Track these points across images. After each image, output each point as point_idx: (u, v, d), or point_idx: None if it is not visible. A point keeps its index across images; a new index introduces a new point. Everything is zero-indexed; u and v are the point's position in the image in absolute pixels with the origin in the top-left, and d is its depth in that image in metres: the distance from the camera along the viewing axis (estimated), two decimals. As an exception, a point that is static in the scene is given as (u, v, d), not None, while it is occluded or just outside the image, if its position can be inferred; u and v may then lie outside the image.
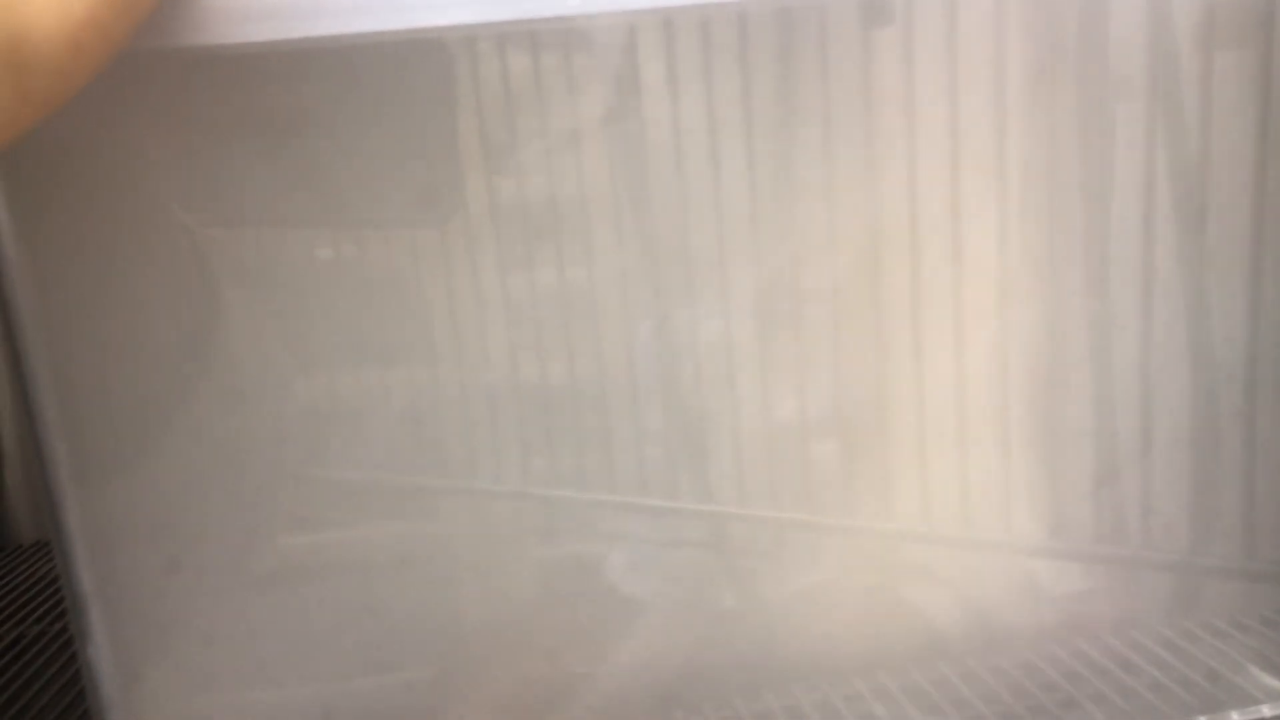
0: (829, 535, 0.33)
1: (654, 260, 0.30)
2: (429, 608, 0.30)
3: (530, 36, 0.28)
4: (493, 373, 0.29)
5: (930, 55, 0.30)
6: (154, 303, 0.27)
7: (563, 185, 0.29)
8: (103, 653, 0.27)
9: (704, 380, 0.31)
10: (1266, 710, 0.36)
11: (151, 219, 0.26)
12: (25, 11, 0.19)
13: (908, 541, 0.34)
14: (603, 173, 0.29)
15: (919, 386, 0.32)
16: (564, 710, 0.31)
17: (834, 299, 0.31)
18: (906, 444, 0.33)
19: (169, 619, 0.28)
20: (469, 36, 0.27)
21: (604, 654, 0.32)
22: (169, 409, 0.27)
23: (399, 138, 0.27)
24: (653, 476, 0.31)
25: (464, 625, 0.31)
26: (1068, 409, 0.34)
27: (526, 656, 0.31)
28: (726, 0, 0.29)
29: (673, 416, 0.31)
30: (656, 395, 0.30)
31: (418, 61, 0.27)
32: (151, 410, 0.27)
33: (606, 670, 0.32)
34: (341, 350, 0.28)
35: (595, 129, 0.29)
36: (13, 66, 0.19)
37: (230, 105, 0.26)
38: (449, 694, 0.31)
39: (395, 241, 0.28)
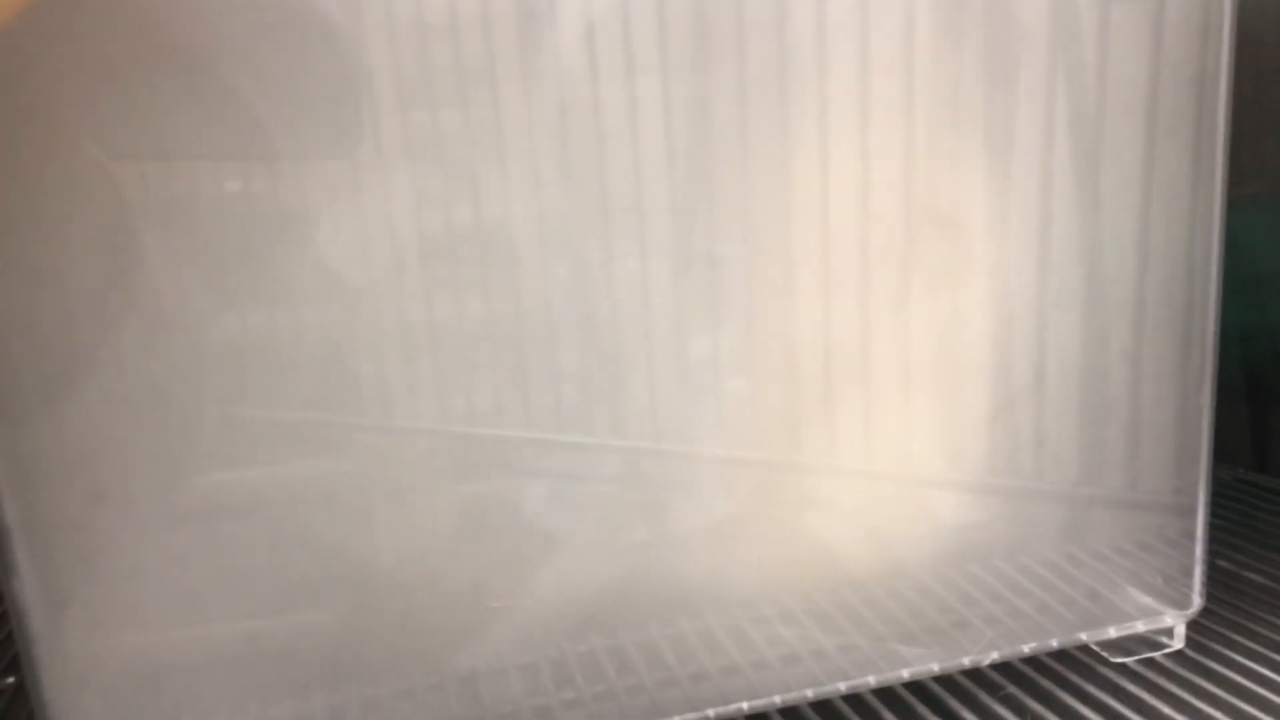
0: (739, 469, 0.34)
1: (571, 199, 0.30)
2: (352, 542, 0.31)
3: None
4: (410, 310, 0.29)
5: (842, 2, 0.31)
6: (74, 237, 0.27)
7: (480, 122, 0.29)
8: (28, 586, 0.27)
9: (620, 319, 0.31)
10: (1140, 626, 0.38)
11: (66, 152, 0.26)
12: None
13: (814, 474, 0.35)
14: (520, 110, 0.29)
15: (826, 326, 0.33)
16: (486, 634, 0.32)
17: (746, 241, 0.32)
18: (813, 382, 0.34)
19: (95, 551, 0.28)
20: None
21: (524, 583, 0.32)
22: (93, 342, 0.27)
23: (309, 68, 0.27)
24: (569, 413, 0.32)
25: (387, 559, 0.31)
26: (966, 347, 0.35)
27: (449, 587, 0.32)
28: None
29: (589, 354, 0.31)
30: (573, 333, 0.31)
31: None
32: (75, 343, 0.27)
33: (526, 598, 0.32)
34: (259, 287, 0.28)
35: (512, 65, 0.29)
36: None
37: (142, 38, 0.26)
38: (372, 625, 0.31)
39: (309, 177, 0.28)
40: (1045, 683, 0.37)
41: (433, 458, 0.31)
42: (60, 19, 0.25)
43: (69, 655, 0.28)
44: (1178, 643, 0.39)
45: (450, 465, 0.31)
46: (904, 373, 0.35)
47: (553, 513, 0.32)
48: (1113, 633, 0.38)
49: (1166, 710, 0.35)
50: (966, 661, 0.36)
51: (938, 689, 0.37)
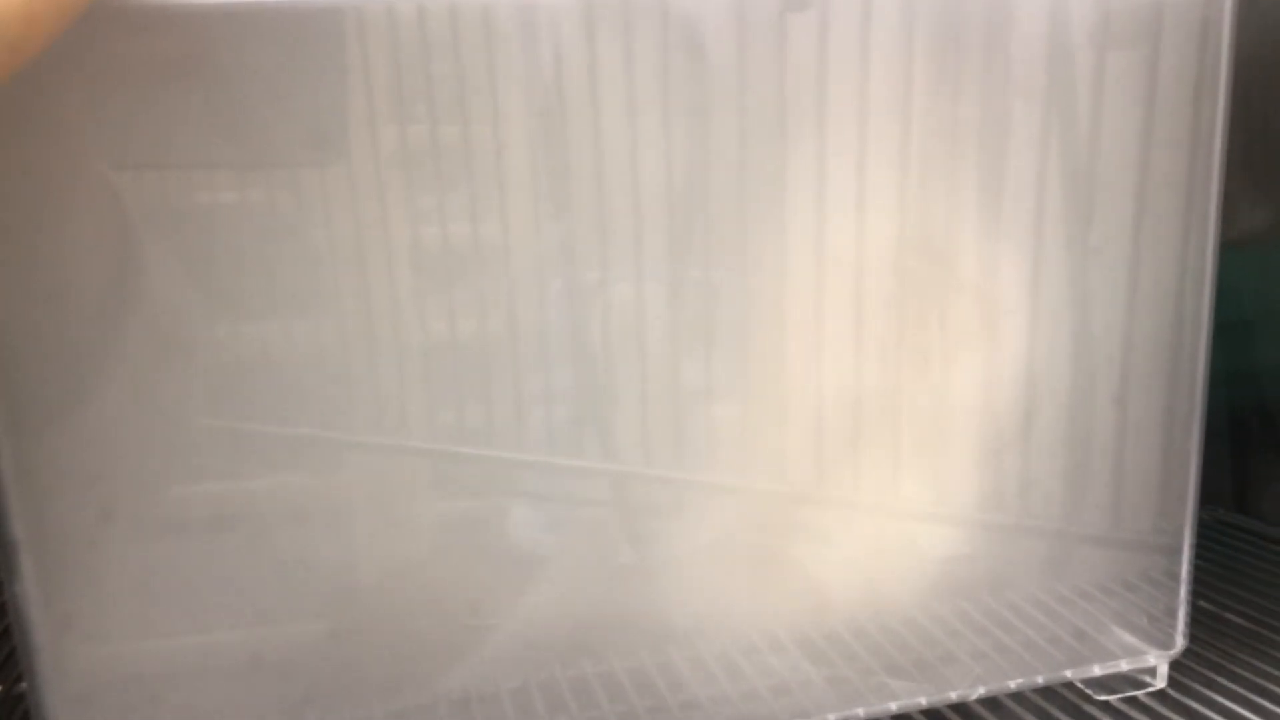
0: (728, 497, 0.34)
1: (567, 220, 0.30)
2: (347, 560, 0.31)
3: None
4: (402, 329, 0.30)
5: (842, 41, 0.31)
6: (84, 255, 0.27)
7: (477, 138, 0.29)
8: (34, 600, 0.28)
9: (613, 342, 0.31)
10: (1124, 665, 0.38)
11: (73, 167, 0.26)
12: None
13: (804, 505, 0.35)
14: (518, 128, 0.29)
15: (818, 358, 0.34)
16: (477, 655, 0.33)
17: (741, 269, 0.32)
18: (804, 414, 0.34)
19: (101, 567, 0.28)
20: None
21: (514, 604, 0.32)
22: (100, 358, 0.27)
23: (303, 80, 0.27)
24: (560, 435, 0.32)
25: (380, 578, 0.31)
26: (958, 386, 0.35)
27: (441, 607, 0.32)
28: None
29: (581, 377, 0.31)
30: (565, 355, 0.31)
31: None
32: (84, 359, 0.27)
33: (516, 619, 0.33)
34: (267, 303, 0.28)
35: (512, 85, 0.29)
36: None
37: (144, 52, 0.26)
38: (366, 645, 0.31)
39: (305, 191, 0.28)
40: (1030, 718, 0.38)
41: (424, 477, 0.31)
42: (65, 35, 0.25)
43: (72, 670, 0.28)
44: (1160, 682, 0.39)
45: (441, 484, 0.31)
46: (894, 409, 0.35)
47: (542, 534, 0.32)
48: (1097, 671, 0.38)
49: (1149, 749, 0.36)
50: (954, 695, 0.37)
51: (924, 722, 0.38)
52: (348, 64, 0.28)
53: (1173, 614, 0.39)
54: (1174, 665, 0.40)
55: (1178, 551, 0.38)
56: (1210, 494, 0.56)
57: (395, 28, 0.28)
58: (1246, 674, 0.40)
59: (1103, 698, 0.39)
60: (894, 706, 0.36)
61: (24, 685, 0.29)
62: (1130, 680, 0.39)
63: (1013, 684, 0.37)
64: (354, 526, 0.31)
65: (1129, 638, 0.39)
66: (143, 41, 0.26)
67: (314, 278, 0.29)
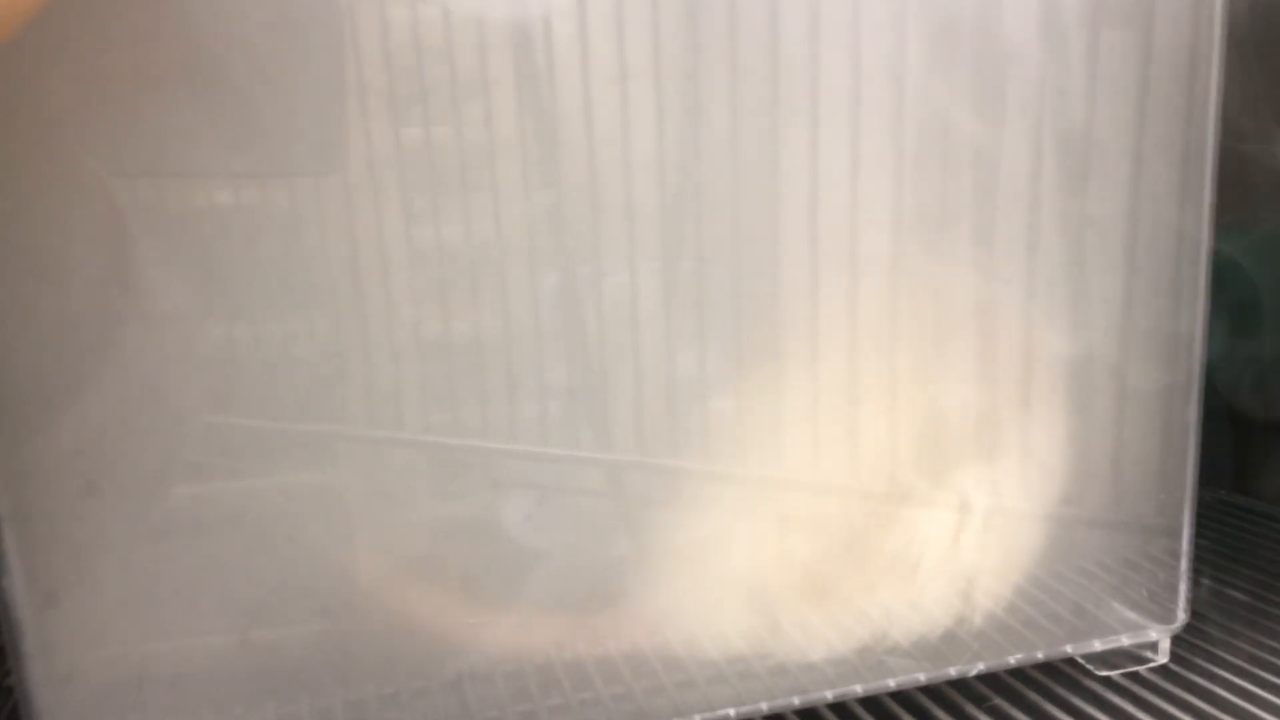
0: (725, 483, 0.34)
1: (560, 214, 0.30)
2: (339, 549, 0.31)
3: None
4: (397, 322, 0.30)
5: (836, 10, 0.31)
6: (73, 238, 0.27)
7: (470, 137, 0.29)
8: (17, 577, 0.27)
9: (607, 333, 0.31)
10: (1125, 640, 0.38)
11: (67, 163, 0.26)
12: None
13: (800, 490, 0.35)
14: (510, 125, 0.29)
15: (814, 342, 0.33)
16: (471, 641, 0.32)
17: (734, 255, 0.32)
18: (799, 399, 0.34)
19: (85, 544, 0.28)
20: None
21: (508, 593, 0.32)
22: (90, 336, 0.27)
23: (296, 84, 0.27)
24: (554, 425, 0.32)
25: (373, 566, 0.31)
26: (953, 362, 0.35)
27: (435, 595, 0.32)
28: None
29: (575, 368, 0.31)
30: (560, 346, 0.31)
31: (322, 6, 0.27)
32: (72, 337, 0.27)
33: (511, 608, 0.32)
34: (253, 296, 0.28)
35: (504, 81, 0.29)
36: None
37: (137, 51, 0.26)
38: (358, 631, 0.31)
39: (300, 190, 0.28)
40: (1031, 694, 0.37)
41: (419, 468, 0.31)
42: (62, 39, 0.25)
43: (56, 649, 0.28)
44: (1162, 657, 0.39)
45: (436, 476, 0.31)
46: (891, 389, 0.35)
47: (536, 525, 0.32)
48: (1098, 646, 0.38)
49: (1150, 722, 0.35)
50: (953, 672, 0.36)
51: (924, 699, 0.37)
52: (345, 65, 0.27)
53: (1174, 590, 0.38)
54: (1176, 641, 0.39)
55: (1178, 529, 0.38)
56: (1211, 475, 0.56)
57: (387, 26, 0.28)
58: (1248, 648, 0.40)
59: (1104, 673, 0.38)
60: (893, 683, 0.36)
61: (12, 678, 0.28)
62: (1132, 656, 0.39)
63: (1013, 660, 0.37)
64: (347, 513, 0.31)
65: (1130, 614, 0.38)
66: (140, 50, 0.26)
67: (305, 269, 0.28)
